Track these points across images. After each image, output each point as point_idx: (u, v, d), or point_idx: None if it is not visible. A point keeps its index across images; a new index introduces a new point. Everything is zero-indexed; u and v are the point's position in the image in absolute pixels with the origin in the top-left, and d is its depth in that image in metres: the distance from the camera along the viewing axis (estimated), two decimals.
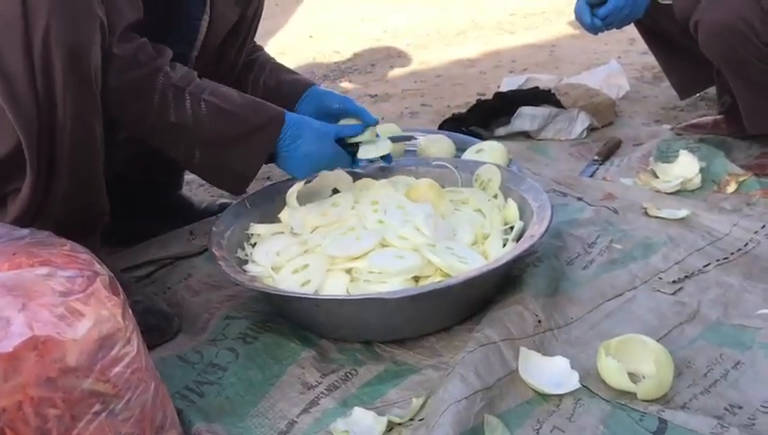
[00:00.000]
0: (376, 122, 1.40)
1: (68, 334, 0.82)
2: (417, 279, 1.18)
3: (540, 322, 1.19)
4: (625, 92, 2.26)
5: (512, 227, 1.29)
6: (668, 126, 2.07)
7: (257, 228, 1.36)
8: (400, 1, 3.93)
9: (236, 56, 1.47)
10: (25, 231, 1.00)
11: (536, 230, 1.20)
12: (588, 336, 1.20)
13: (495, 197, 1.38)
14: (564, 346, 1.18)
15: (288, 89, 1.45)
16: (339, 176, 1.47)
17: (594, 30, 1.77)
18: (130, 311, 1.00)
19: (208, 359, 1.20)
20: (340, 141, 1.36)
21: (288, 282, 1.20)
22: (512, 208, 1.33)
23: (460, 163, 1.50)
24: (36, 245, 0.96)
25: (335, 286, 1.17)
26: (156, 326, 1.24)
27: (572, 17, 1.84)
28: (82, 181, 1.16)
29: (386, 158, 1.43)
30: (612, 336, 1.14)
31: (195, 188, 1.86)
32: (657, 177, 1.72)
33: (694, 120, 2.04)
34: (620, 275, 1.34)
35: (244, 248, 1.34)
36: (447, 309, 1.18)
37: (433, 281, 1.16)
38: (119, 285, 0.99)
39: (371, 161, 1.42)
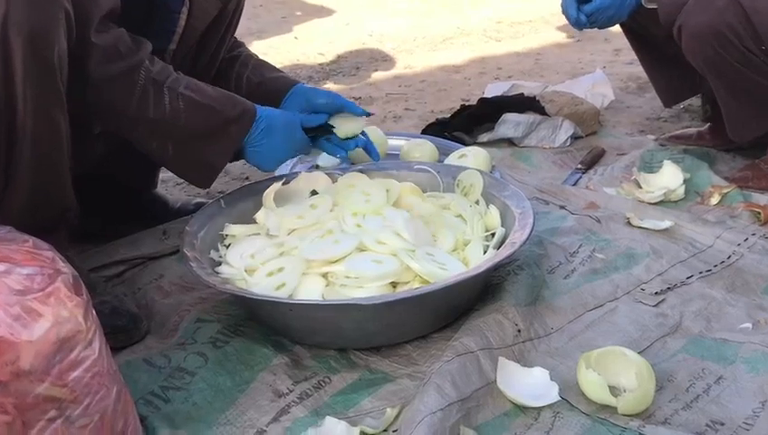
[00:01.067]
0: (367, 115, 1.39)
1: (23, 335, 0.78)
2: (394, 285, 1.14)
3: (519, 331, 1.16)
4: (609, 102, 2.25)
5: (493, 234, 1.27)
6: (652, 137, 2.06)
7: (232, 229, 1.32)
8: (386, 6, 3.91)
9: (216, 51, 1.43)
10: None
11: (518, 237, 1.17)
12: (568, 347, 1.18)
13: (477, 203, 1.35)
14: (544, 357, 1.15)
15: (272, 86, 1.43)
16: (317, 177, 1.44)
17: (579, 25, 1.76)
18: (94, 312, 0.95)
19: (176, 363, 1.15)
20: (310, 130, 1.36)
21: (262, 285, 1.16)
22: (493, 215, 1.30)
23: (442, 168, 1.47)
24: None
25: (310, 291, 1.14)
26: (123, 328, 1.20)
27: (558, 26, 1.83)
28: (46, 180, 1.11)
29: (373, 154, 1.43)
30: (593, 347, 1.11)
31: (170, 187, 1.82)
32: (640, 187, 1.71)
33: (678, 132, 2.03)
34: (602, 286, 1.32)
35: (218, 249, 1.29)
36: (425, 316, 1.14)
37: (411, 287, 1.12)
38: (82, 285, 0.95)
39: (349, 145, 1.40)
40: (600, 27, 1.77)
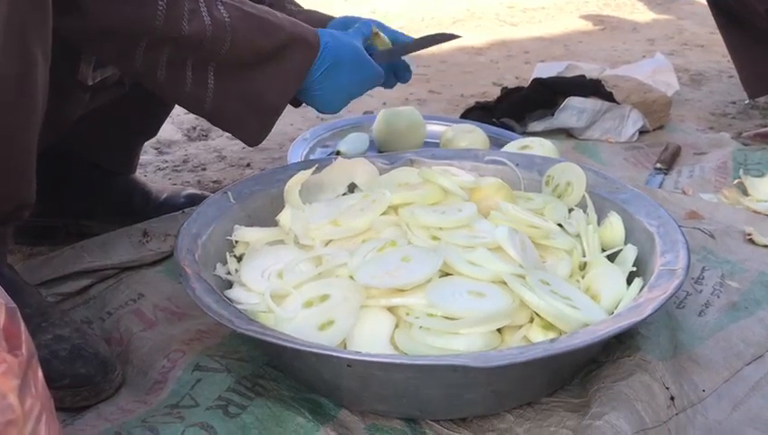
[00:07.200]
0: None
1: None
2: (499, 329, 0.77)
3: (673, 399, 0.80)
4: (674, 92, 1.91)
5: (615, 254, 0.91)
6: (728, 135, 1.75)
7: (245, 234, 0.94)
8: None
9: None
10: None
11: (672, 262, 0.81)
12: (733, 421, 0.82)
13: (580, 208, 0.99)
14: None
15: (314, 17, 1.14)
16: (357, 165, 1.06)
17: None
18: (40, 374, 0.58)
19: None
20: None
21: (298, 321, 0.78)
22: (614, 226, 0.93)
23: (521, 159, 1.11)
24: None
25: (373, 334, 0.76)
26: (87, 378, 0.80)
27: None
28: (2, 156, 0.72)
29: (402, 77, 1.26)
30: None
31: (150, 173, 1.42)
32: (746, 194, 1.37)
33: (762, 129, 1.72)
34: (752, 327, 0.97)
35: (226, 263, 0.91)
36: (543, 378, 0.77)
37: (526, 333, 0.75)
38: (22, 328, 0.57)
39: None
40: None
